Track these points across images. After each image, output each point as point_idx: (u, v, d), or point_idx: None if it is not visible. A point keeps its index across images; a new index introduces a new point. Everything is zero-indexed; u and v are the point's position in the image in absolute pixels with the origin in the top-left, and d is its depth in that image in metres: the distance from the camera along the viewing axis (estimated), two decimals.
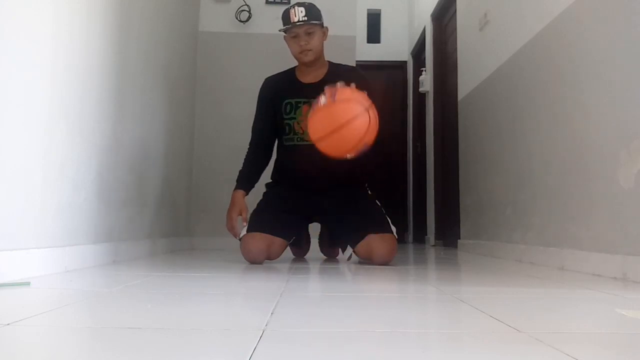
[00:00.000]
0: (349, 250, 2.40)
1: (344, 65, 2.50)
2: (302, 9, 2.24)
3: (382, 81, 5.89)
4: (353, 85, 1.96)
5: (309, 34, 2.28)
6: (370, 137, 1.90)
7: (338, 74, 2.38)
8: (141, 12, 2.43)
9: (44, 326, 0.86)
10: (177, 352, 0.70)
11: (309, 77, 2.38)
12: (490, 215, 3.12)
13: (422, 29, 5.26)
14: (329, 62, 2.42)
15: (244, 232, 2.28)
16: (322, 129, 1.89)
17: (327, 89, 1.92)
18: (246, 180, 2.39)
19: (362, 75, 2.41)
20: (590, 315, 1.11)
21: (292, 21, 2.24)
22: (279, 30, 2.34)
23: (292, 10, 2.25)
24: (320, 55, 2.36)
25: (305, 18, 2.23)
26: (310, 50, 2.28)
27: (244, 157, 2.46)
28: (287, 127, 2.35)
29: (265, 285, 1.52)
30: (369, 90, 2.35)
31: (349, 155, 1.90)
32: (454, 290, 1.46)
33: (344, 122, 1.85)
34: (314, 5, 2.29)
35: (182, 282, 1.55)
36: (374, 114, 1.91)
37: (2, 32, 1.37)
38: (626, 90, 1.78)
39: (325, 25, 2.35)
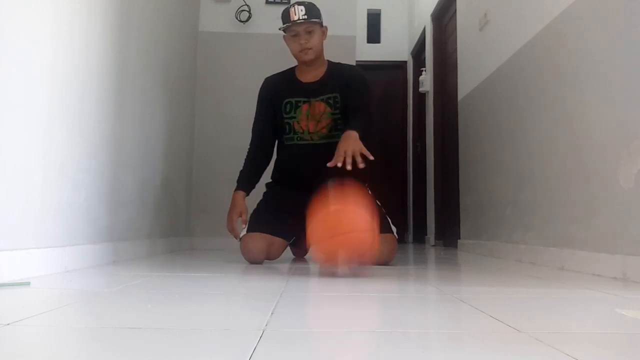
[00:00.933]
0: None
1: (344, 64, 2.50)
2: (302, 7, 2.25)
3: (382, 81, 5.89)
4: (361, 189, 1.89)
5: (309, 32, 2.28)
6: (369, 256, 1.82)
7: (337, 73, 2.38)
8: (141, 12, 2.43)
9: (44, 326, 0.86)
10: (177, 352, 0.70)
11: (309, 76, 2.38)
12: (490, 215, 3.12)
13: (422, 29, 5.26)
14: (328, 61, 2.43)
15: (243, 232, 2.28)
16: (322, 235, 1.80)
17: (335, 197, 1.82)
18: (246, 181, 2.39)
19: (361, 74, 2.41)
20: (590, 315, 1.11)
21: (292, 19, 2.25)
22: (279, 29, 2.34)
23: (292, 9, 2.25)
24: (320, 55, 2.36)
25: (306, 17, 2.24)
26: (310, 48, 2.29)
27: (245, 157, 2.46)
28: (287, 127, 2.35)
29: (265, 285, 1.52)
30: (367, 89, 2.35)
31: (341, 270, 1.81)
32: (454, 290, 1.46)
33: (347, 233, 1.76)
34: (314, 5, 2.29)
35: (182, 282, 1.55)
36: (376, 236, 1.79)
37: (2, 32, 1.37)
38: (626, 90, 1.78)
39: (324, 24, 2.35)
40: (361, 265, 1.83)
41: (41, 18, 1.56)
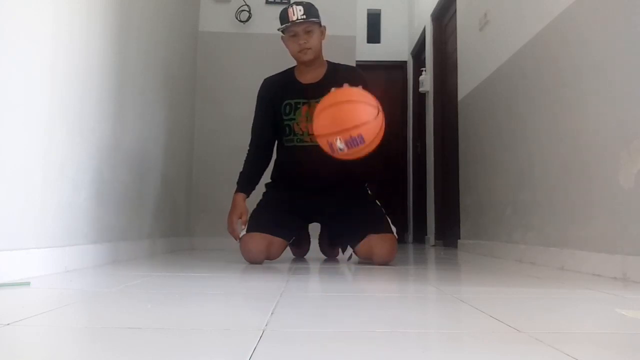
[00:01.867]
0: (349, 250, 2.39)
1: (343, 64, 2.49)
2: (301, 7, 2.24)
3: (382, 81, 5.89)
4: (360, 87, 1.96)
5: (307, 32, 2.27)
6: (376, 141, 1.90)
7: (337, 73, 2.38)
8: (141, 12, 2.43)
9: (44, 326, 0.86)
10: (177, 352, 0.70)
11: (308, 77, 2.37)
12: (490, 215, 3.12)
13: (422, 29, 5.26)
14: (327, 61, 2.42)
15: (243, 233, 2.28)
16: (327, 127, 1.89)
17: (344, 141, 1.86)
18: (247, 183, 2.39)
19: (361, 75, 2.41)
20: (590, 315, 1.11)
21: (290, 19, 2.24)
22: (278, 30, 2.34)
23: (290, 10, 2.25)
24: (319, 55, 2.35)
25: (304, 17, 2.23)
26: (309, 49, 2.28)
27: (245, 158, 2.45)
28: (286, 128, 2.35)
29: (265, 285, 1.52)
30: (367, 90, 2.35)
31: (339, 144, 1.87)
32: (454, 290, 1.46)
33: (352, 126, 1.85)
34: (312, 5, 2.29)
35: (182, 282, 1.55)
36: (383, 118, 1.90)
37: (2, 32, 1.37)
38: (626, 90, 1.78)
39: (323, 24, 2.35)
40: (367, 146, 1.88)
41: (41, 18, 1.56)
